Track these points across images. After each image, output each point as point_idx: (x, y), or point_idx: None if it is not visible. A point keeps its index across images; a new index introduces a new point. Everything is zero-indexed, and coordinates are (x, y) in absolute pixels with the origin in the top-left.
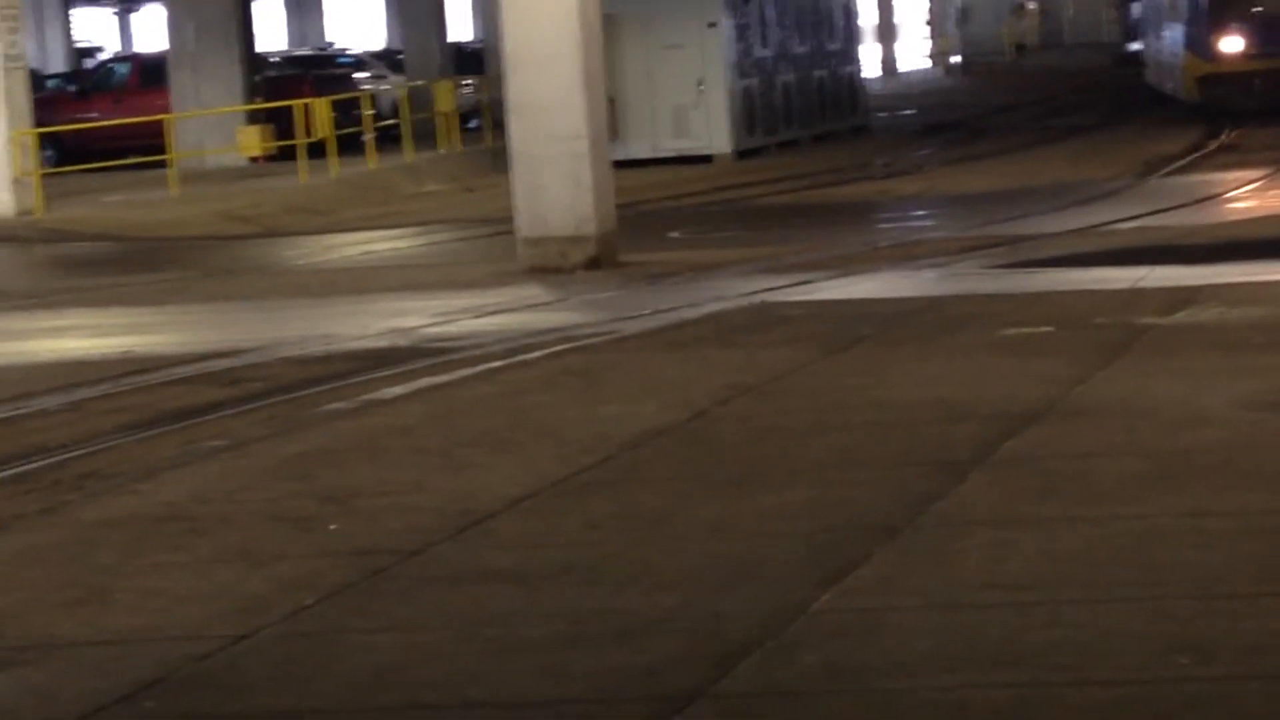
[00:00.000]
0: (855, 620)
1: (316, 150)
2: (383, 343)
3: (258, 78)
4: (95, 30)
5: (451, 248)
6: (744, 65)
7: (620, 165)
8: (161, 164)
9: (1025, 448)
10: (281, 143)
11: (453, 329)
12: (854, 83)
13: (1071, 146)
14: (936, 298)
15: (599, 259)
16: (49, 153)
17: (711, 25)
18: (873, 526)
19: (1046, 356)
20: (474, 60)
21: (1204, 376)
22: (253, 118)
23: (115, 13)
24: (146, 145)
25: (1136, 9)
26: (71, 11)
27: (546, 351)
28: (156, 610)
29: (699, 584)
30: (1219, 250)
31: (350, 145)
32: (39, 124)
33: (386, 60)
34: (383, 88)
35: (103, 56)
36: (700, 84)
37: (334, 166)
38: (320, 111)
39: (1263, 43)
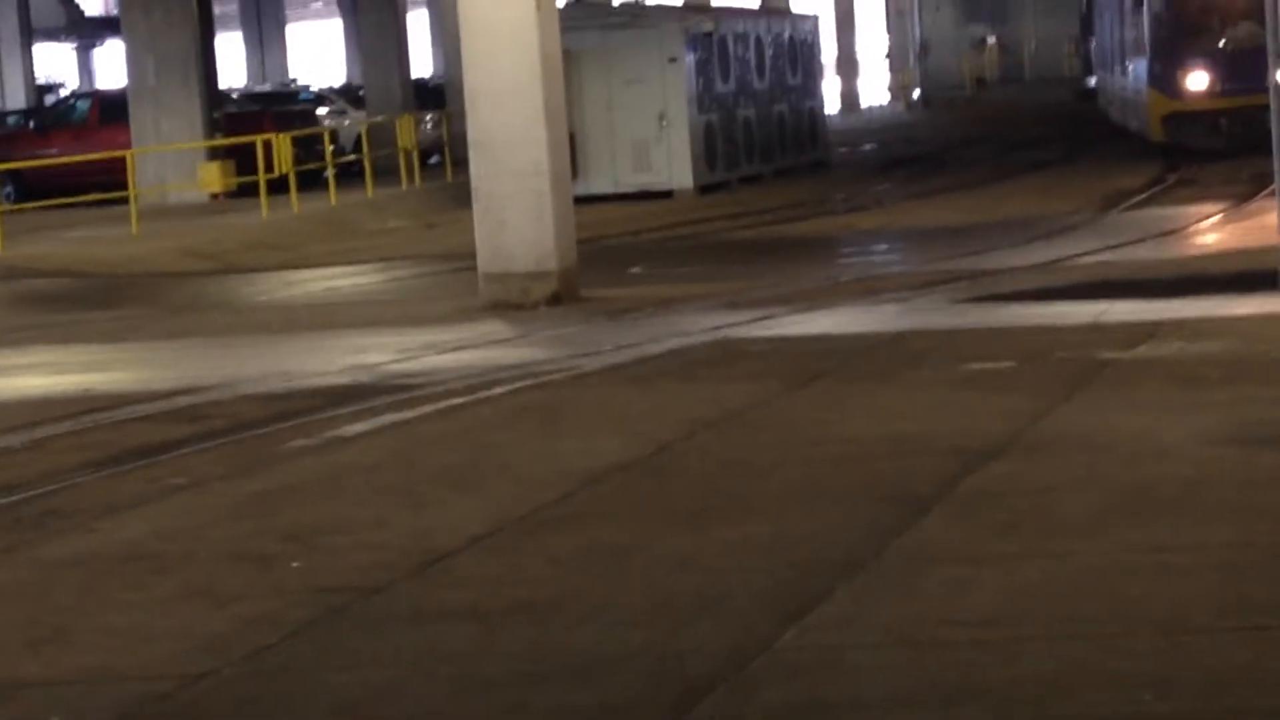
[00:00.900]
0: (817, 657)
1: (278, 186)
2: (345, 379)
3: (218, 114)
4: (55, 67)
5: (413, 284)
6: (705, 100)
7: (582, 201)
8: (122, 200)
9: (986, 483)
10: (243, 179)
11: (415, 365)
12: (815, 118)
13: (1032, 181)
14: (898, 332)
15: (561, 294)
16: (9, 189)
17: (672, 60)
18: (835, 562)
19: (1008, 391)
20: (435, 96)
21: (1164, 411)
22: (214, 154)
23: (75, 49)
24: (107, 181)
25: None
26: (32, 48)
27: (508, 388)
28: (117, 649)
29: (661, 620)
30: (1179, 285)
31: (312, 181)
32: None
33: (348, 96)
34: (344, 123)
35: (63, 93)
36: (662, 119)
37: (295, 202)
38: (281, 147)
39: (1230, 79)
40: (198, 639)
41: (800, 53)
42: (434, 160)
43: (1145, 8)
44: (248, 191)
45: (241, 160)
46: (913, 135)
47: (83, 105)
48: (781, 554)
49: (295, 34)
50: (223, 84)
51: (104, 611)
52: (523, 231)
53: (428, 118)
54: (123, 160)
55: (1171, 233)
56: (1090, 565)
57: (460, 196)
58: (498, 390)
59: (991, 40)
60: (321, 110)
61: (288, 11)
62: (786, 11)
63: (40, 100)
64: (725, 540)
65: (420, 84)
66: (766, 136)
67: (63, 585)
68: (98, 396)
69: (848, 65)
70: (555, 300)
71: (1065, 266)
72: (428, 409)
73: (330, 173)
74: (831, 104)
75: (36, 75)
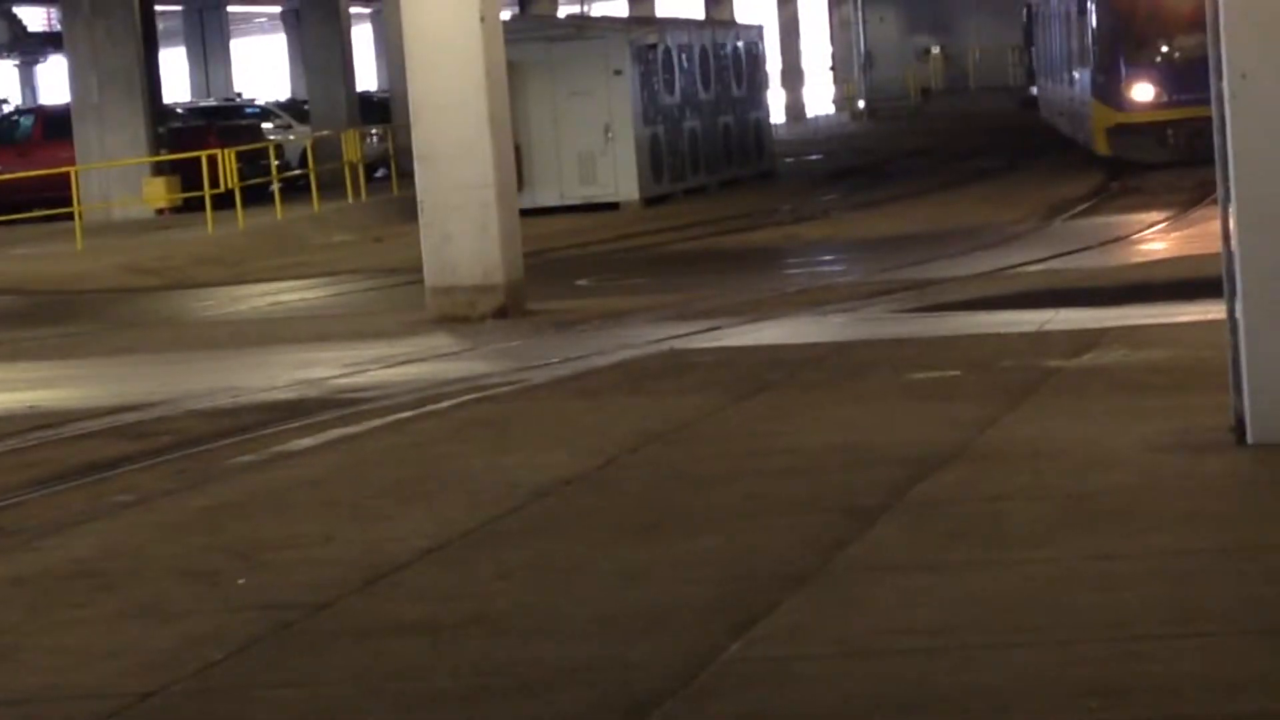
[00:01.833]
0: (766, 669)
1: (224, 201)
2: (291, 394)
3: (163, 129)
4: None
5: (360, 298)
6: (650, 112)
7: (528, 213)
8: (67, 217)
9: (934, 492)
10: (188, 194)
11: (362, 379)
12: (760, 128)
13: (977, 190)
14: (844, 343)
15: (507, 307)
16: None
17: (617, 73)
18: (783, 573)
19: (954, 400)
20: (380, 109)
21: (1110, 419)
22: (159, 169)
23: (18, 65)
24: (51, 198)
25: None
26: None
27: (456, 401)
28: (64, 668)
29: (610, 633)
30: (1124, 292)
31: (258, 196)
32: None
33: (293, 110)
34: (289, 138)
35: (6, 109)
36: (608, 131)
37: (241, 217)
38: (227, 162)
39: (1177, 89)
40: (145, 657)
41: (745, 64)
42: (380, 174)
43: (1089, 16)
44: (193, 207)
45: (187, 175)
46: (858, 145)
47: (26, 121)
48: (729, 566)
49: (239, 49)
50: (167, 99)
51: (51, 630)
52: (468, 245)
53: (373, 131)
54: (67, 176)
55: (1116, 240)
56: (1038, 574)
57: (406, 210)
58: (445, 404)
59: (936, 50)
60: (267, 125)
61: (232, 27)
62: (731, 23)
63: None
64: (673, 553)
65: (366, 97)
66: (712, 148)
67: (9, 604)
68: (43, 413)
69: (793, 76)
70: (502, 313)
71: (1010, 275)
72: (375, 423)
73: (276, 187)
74: (777, 115)
75: None
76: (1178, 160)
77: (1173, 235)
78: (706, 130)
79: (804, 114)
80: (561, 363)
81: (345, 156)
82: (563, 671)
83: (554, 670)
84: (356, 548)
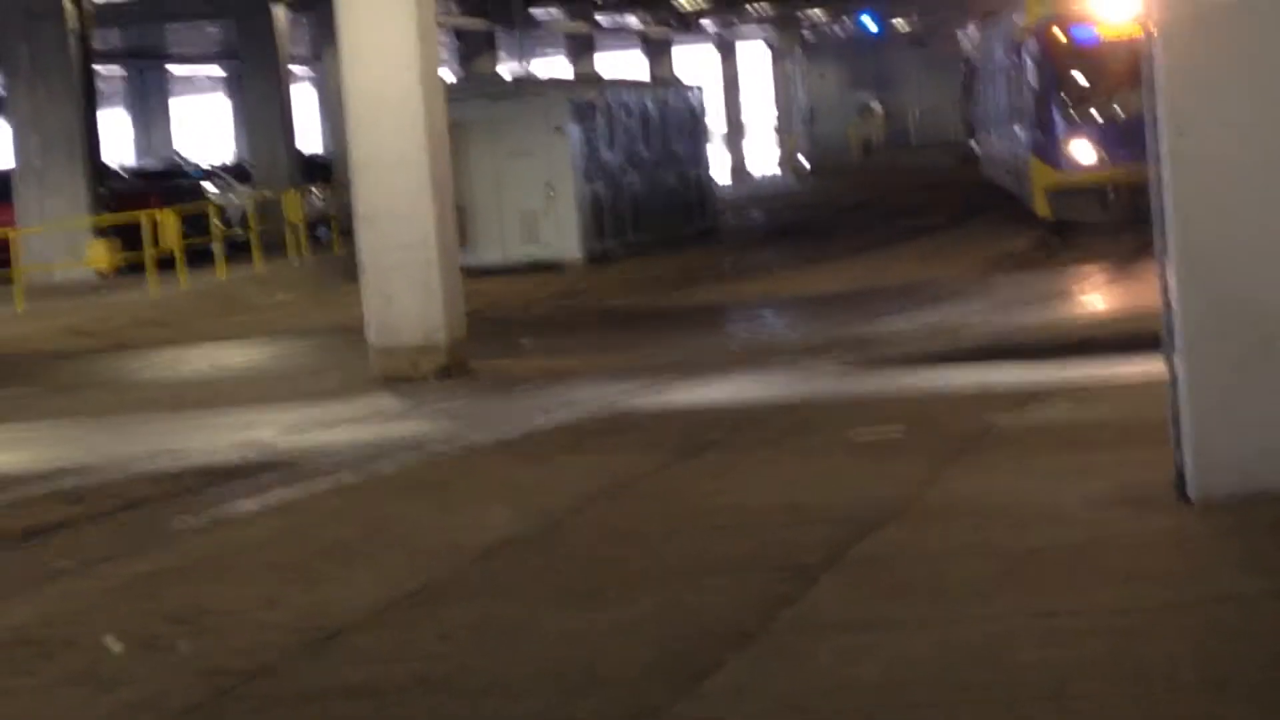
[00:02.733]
0: None
1: (166, 263)
2: (234, 456)
3: (104, 190)
4: None
5: (302, 359)
6: (591, 171)
7: (471, 272)
8: (7, 280)
9: (876, 550)
10: (130, 255)
11: (304, 440)
12: (703, 186)
13: (919, 245)
14: (787, 400)
15: (450, 367)
16: None
17: (558, 130)
18: (726, 632)
19: (896, 457)
20: (322, 170)
21: (1052, 475)
22: (100, 231)
23: None
24: None
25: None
26: None
27: (399, 462)
28: None
29: (553, 694)
30: (1066, 347)
31: (200, 257)
32: None
33: (234, 171)
34: (231, 199)
35: None
36: (549, 189)
37: (184, 279)
38: (168, 224)
39: (1118, 147)
40: None
41: (687, 122)
42: (322, 234)
43: (1025, 71)
44: (135, 268)
45: (129, 237)
46: (801, 202)
47: None
48: (673, 625)
49: (180, 110)
50: (108, 160)
51: None
52: (411, 304)
53: (314, 191)
54: (7, 239)
55: (1057, 296)
56: (980, 631)
57: (349, 269)
58: (388, 465)
59: (876, 106)
60: (208, 185)
61: (172, 87)
62: (673, 81)
63: None
64: (616, 612)
65: (307, 158)
66: (654, 206)
67: None
68: None
69: (735, 133)
70: (445, 373)
71: (952, 331)
72: (318, 485)
73: (218, 248)
74: (720, 172)
75: None
76: (1120, 221)
77: (1113, 290)
78: (648, 188)
79: (746, 171)
80: (504, 423)
81: (287, 217)
82: None
83: None
84: (299, 610)
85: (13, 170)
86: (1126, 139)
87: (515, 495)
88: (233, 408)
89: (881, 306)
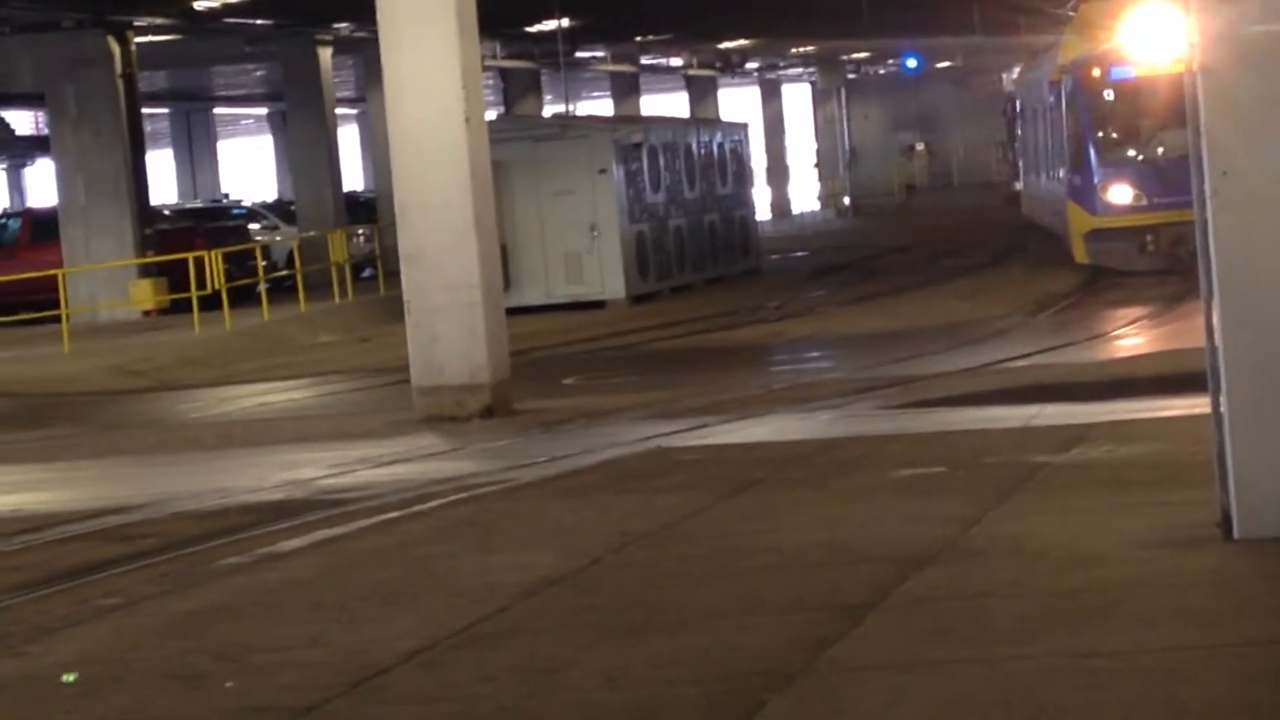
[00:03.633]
0: None
1: (211, 303)
2: (278, 495)
3: (150, 231)
4: None
5: (347, 398)
6: (635, 210)
7: (514, 312)
8: (54, 319)
9: (919, 590)
10: (175, 295)
11: (348, 480)
12: (746, 225)
13: (962, 286)
14: (830, 440)
15: (494, 407)
16: None
17: (602, 171)
18: (768, 673)
19: (940, 497)
20: (367, 209)
21: (1095, 515)
22: (145, 271)
23: (6, 168)
24: (39, 300)
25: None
26: None
27: (442, 501)
28: None
29: None
30: (1110, 387)
31: (244, 297)
32: None
33: (279, 211)
34: (276, 239)
35: None
36: (594, 229)
37: (228, 319)
38: (214, 263)
39: (1157, 191)
40: None
41: (730, 161)
42: (367, 274)
43: (1061, 112)
44: (180, 308)
45: (174, 277)
46: (844, 242)
47: (14, 224)
48: (715, 665)
49: (226, 150)
50: (154, 200)
51: None
52: (455, 344)
53: (360, 232)
54: (54, 279)
55: (1101, 335)
56: (1023, 671)
57: (393, 310)
58: (431, 504)
59: (920, 147)
60: (254, 226)
61: (219, 128)
62: (716, 121)
63: None
64: (657, 654)
65: (353, 197)
66: (698, 245)
67: None
68: (28, 517)
69: (778, 173)
70: (489, 413)
71: (996, 371)
72: (361, 524)
73: (263, 288)
74: (763, 212)
75: None
76: (1160, 269)
77: (1157, 330)
78: (692, 228)
79: (789, 211)
80: (548, 462)
81: (332, 257)
82: None
83: None
84: (342, 650)
85: (59, 210)
86: (1165, 182)
87: (558, 535)
88: (277, 447)
89: (925, 346)
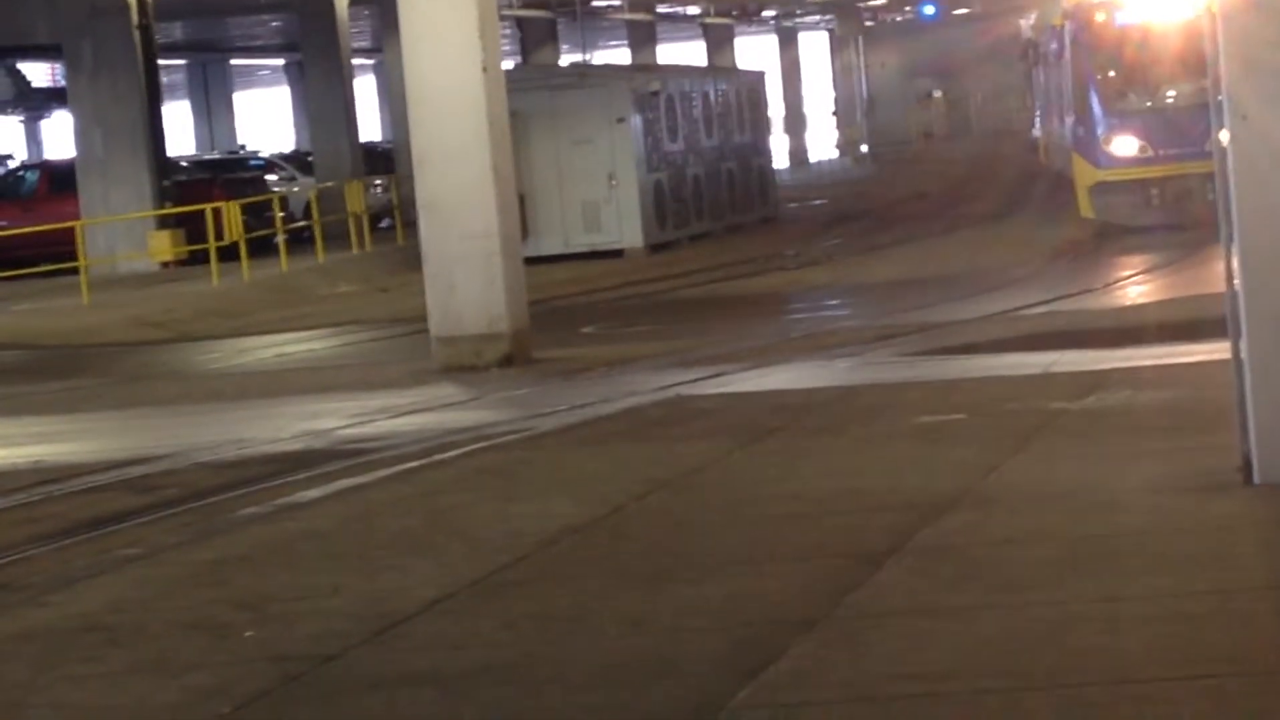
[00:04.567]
0: (774, 715)
1: (229, 254)
2: (298, 445)
3: (167, 182)
4: (4, 138)
5: (366, 348)
6: (653, 160)
7: (532, 261)
8: (73, 271)
9: (940, 536)
10: (193, 247)
11: (368, 430)
12: (764, 174)
13: (980, 233)
14: (849, 387)
15: (513, 356)
16: None
17: (620, 120)
18: (789, 619)
19: (959, 444)
20: (384, 160)
21: (1115, 460)
22: (163, 223)
23: (23, 120)
24: (57, 252)
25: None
26: None
27: (462, 450)
28: None
29: (617, 682)
30: (1127, 334)
31: (262, 248)
32: None
33: (296, 162)
34: (293, 189)
35: (11, 164)
36: (611, 178)
37: (246, 269)
38: (231, 215)
39: (1163, 143)
40: (151, 712)
41: (747, 109)
42: (385, 224)
43: (1065, 58)
44: (199, 260)
45: (191, 228)
46: (861, 190)
47: (31, 177)
48: (736, 613)
49: (243, 102)
50: (171, 152)
51: (57, 686)
52: (473, 294)
53: (377, 182)
54: (72, 231)
55: (1118, 282)
56: (1045, 616)
57: (411, 260)
58: (451, 453)
59: (938, 94)
60: (271, 176)
61: (235, 79)
62: (733, 69)
63: None
64: (679, 600)
65: (370, 148)
66: (715, 194)
67: (15, 660)
68: (49, 468)
69: (795, 121)
70: (508, 362)
71: (1014, 318)
72: (382, 474)
73: (281, 239)
74: (780, 160)
75: None
76: (1164, 224)
77: (1175, 277)
78: (710, 176)
79: (807, 159)
80: (567, 411)
81: (349, 207)
82: None
83: (563, 719)
84: (364, 599)
85: (77, 162)
86: (1172, 133)
87: (578, 484)
88: (296, 397)
89: (943, 293)
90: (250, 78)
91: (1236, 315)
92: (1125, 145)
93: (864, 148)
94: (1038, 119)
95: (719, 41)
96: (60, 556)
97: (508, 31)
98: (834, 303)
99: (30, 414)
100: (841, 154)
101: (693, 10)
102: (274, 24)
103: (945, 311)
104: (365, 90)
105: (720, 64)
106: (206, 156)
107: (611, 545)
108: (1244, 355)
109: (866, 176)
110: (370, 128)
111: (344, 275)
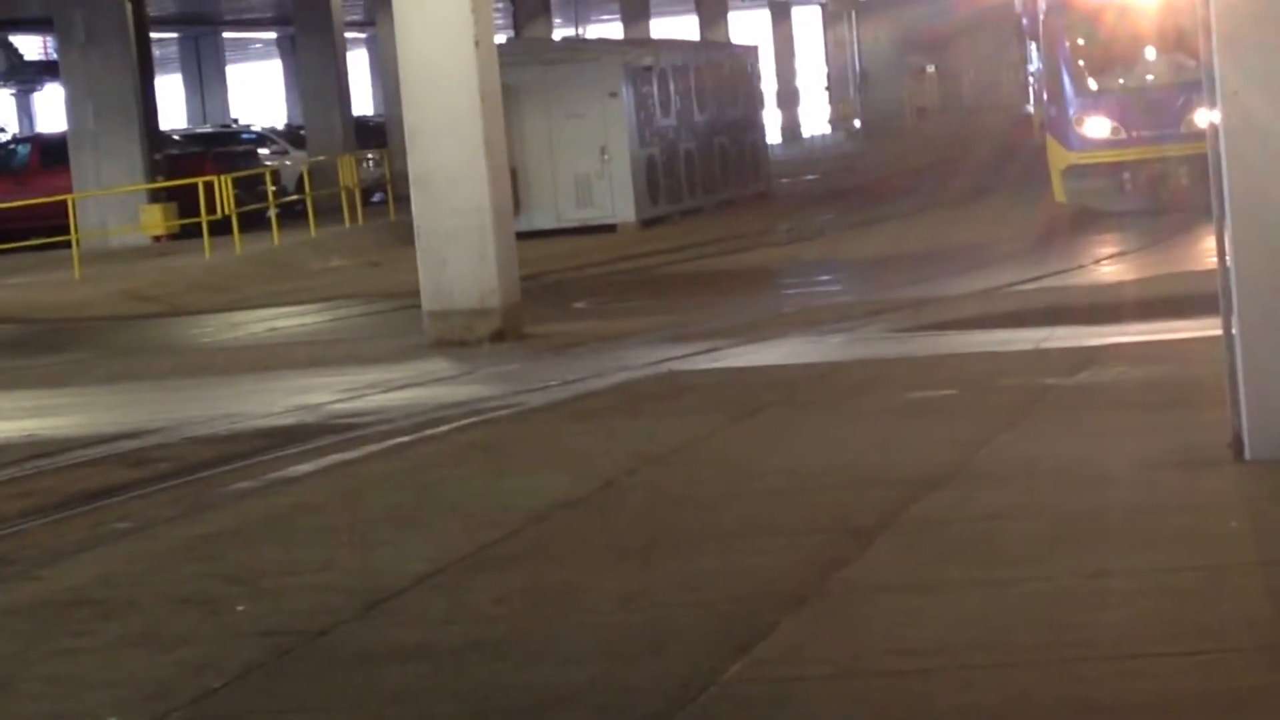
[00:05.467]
0: (765, 690)
1: (221, 227)
2: (289, 420)
3: (159, 156)
4: None
5: (357, 323)
6: (646, 134)
7: (524, 236)
8: (64, 245)
9: (930, 512)
10: (185, 221)
11: (359, 404)
12: (756, 149)
13: (973, 209)
14: (841, 363)
15: (504, 331)
16: None
17: (612, 95)
18: (780, 595)
19: (951, 419)
20: (377, 134)
21: (1106, 436)
22: (155, 196)
23: (14, 94)
24: (49, 226)
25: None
26: None
27: (453, 425)
28: (61, 697)
29: (609, 657)
30: (1119, 310)
31: (254, 222)
32: None
33: (289, 136)
34: (286, 163)
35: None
36: (604, 153)
37: (238, 243)
38: (223, 189)
39: (1136, 124)
40: (142, 685)
41: (740, 84)
42: (377, 198)
43: (1038, 31)
44: (190, 233)
45: (184, 202)
46: (854, 165)
47: (23, 150)
48: (727, 587)
49: (235, 75)
50: (164, 126)
51: (48, 659)
52: (465, 268)
53: (369, 156)
54: (64, 204)
55: (1111, 258)
56: (1035, 592)
57: (403, 234)
58: (443, 428)
59: (931, 69)
60: (263, 150)
61: (228, 53)
62: (726, 44)
63: None
64: (671, 576)
65: (362, 122)
66: (708, 168)
67: (7, 633)
68: (41, 442)
69: (788, 96)
70: (499, 337)
71: (1006, 293)
72: (373, 448)
73: (273, 213)
74: (773, 135)
75: None
76: (1137, 209)
77: (1167, 253)
78: (702, 151)
79: (800, 134)
80: (559, 385)
81: (341, 181)
82: (563, 695)
83: (554, 694)
84: (355, 573)
85: (68, 135)
86: (1147, 114)
87: (570, 458)
88: (288, 372)
89: (935, 269)
90: (243, 51)
91: (1228, 290)
92: (1097, 126)
93: (857, 123)
94: (1030, 94)
95: (712, 16)
96: (52, 530)
97: (500, 5)
98: (826, 278)
99: (22, 388)
100: (834, 129)
101: None
102: None
103: (938, 287)
104: (358, 64)
105: (713, 38)
106: (199, 130)
107: (602, 520)
108: (1235, 331)
109: (859, 151)
110: (363, 102)
111: (336, 250)
